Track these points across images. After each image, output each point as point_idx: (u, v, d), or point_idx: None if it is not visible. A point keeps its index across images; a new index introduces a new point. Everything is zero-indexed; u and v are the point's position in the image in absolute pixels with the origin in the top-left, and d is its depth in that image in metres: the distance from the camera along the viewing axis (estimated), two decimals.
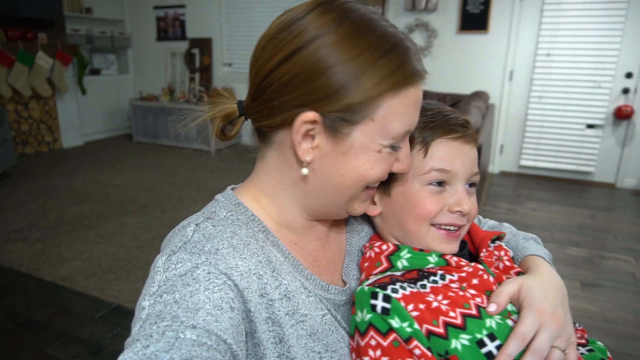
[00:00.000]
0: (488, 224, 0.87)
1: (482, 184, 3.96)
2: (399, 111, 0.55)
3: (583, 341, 0.75)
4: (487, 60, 4.60)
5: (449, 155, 0.64)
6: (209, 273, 0.51)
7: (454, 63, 4.74)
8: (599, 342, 0.75)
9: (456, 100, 4.32)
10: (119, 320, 2.15)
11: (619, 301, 2.39)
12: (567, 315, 0.60)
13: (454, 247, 0.66)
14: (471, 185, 0.67)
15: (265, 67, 0.56)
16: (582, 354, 0.72)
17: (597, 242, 3.14)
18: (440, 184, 0.64)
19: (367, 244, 0.71)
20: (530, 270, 0.65)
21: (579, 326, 0.78)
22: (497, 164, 4.82)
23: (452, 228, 0.65)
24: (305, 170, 0.59)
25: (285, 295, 0.58)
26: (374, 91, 0.53)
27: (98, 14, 6.09)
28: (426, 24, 4.70)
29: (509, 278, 0.63)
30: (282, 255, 0.62)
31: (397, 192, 0.66)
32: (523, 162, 4.68)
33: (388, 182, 0.65)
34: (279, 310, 0.56)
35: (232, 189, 0.68)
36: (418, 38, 4.79)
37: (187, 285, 0.49)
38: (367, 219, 0.77)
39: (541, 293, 0.58)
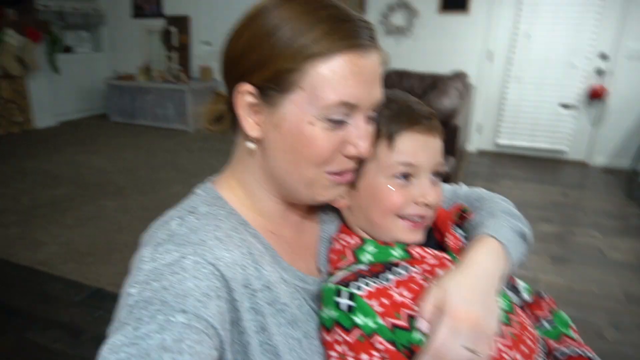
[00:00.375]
0: (462, 191, 0.87)
1: (460, 163, 4.02)
2: (330, 80, 0.54)
3: (547, 314, 0.79)
4: (467, 41, 4.62)
5: (414, 148, 0.64)
6: (196, 263, 0.52)
7: (434, 43, 4.74)
8: (563, 314, 0.79)
9: (435, 81, 4.35)
10: (100, 303, 2.15)
11: (586, 274, 2.50)
12: (487, 308, 0.60)
13: (420, 236, 0.67)
14: (436, 174, 0.68)
15: (224, 55, 0.61)
16: (543, 328, 0.77)
17: (568, 219, 3.25)
18: (406, 176, 0.65)
19: (335, 236, 0.72)
20: (463, 259, 0.64)
21: (547, 296, 0.82)
22: (475, 143, 4.90)
23: (417, 219, 0.66)
24: (251, 145, 0.61)
25: (266, 286, 0.59)
26: (300, 57, 0.54)
27: None
28: (407, 4, 4.68)
29: (433, 278, 0.63)
30: (262, 246, 0.63)
31: (364, 185, 0.66)
32: (500, 141, 4.76)
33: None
34: (261, 300, 0.58)
35: (211, 181, 0.69)
36: (399, 18, 4.77)
37: (175, 274, 0.50)
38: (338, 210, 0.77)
39: (458, 295, 0.58)
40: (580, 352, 0.71)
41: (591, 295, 2.30)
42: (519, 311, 0.69)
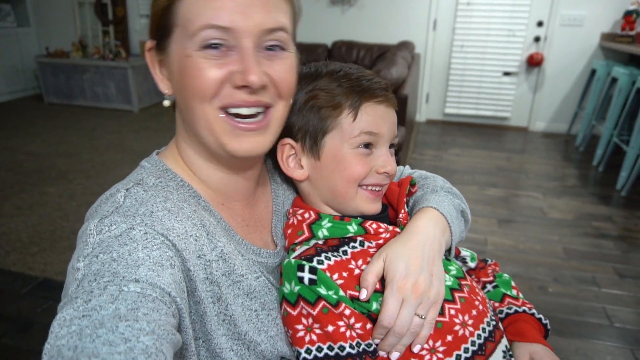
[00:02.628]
0: (407, 172, 0.90)
1: (410, 133, 4.11)
2: (195, 5, 0.54)
3: (491, 278, 0.84)
4: (411, 10, 4.65)
5: (376, 118, 0.66)
6: (145, 233, 0.50)
7: (380, 13, 4.74)
8: (505, 275, 0.85)
9: (383, 51, 4.37)
10: (48, 293, 2.06)
11: (529, 234, 2.66)
12: (433, 275, 0.62)
13: (378, 205, 0.70)
14: (391, 146, 0.70)
15: None
16: (487, 291, 0.82)
17: (512, 182, 3.43)
18: (367, 146, 0.66)
19: (291, 210, 0.72)
20: (404, 229, 0.67)
21: (492, 261, 0.87)
22: (424, 113, 5.01)
23: (377, 188, 0.68)
24: (165, 102, 0.64)
25: (221, 257, 0.59)
26: None
27: None
28: None
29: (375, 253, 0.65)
30: (214, 219, 0.62)
31: (327, 155, 0.67)
32: (447, 110, 4.90)
33: (317, 145, 0.66)
34: (216, 271, 0.58)
35: (157, 154, 0.67)
36: None
37: (124, 245, 0.48)
38: (290, 181, 0.77)
39: (403, 264, 0.60)
40: (520, 310, 0.76)
41: (534, 253, 2.46)
42: (468, 277, 0.73)
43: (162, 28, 0.57)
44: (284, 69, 0.59)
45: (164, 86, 0.61)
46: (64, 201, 2.94)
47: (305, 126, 0.67)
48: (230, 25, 0.53)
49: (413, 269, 0.61)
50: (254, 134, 0.59)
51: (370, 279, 0.60)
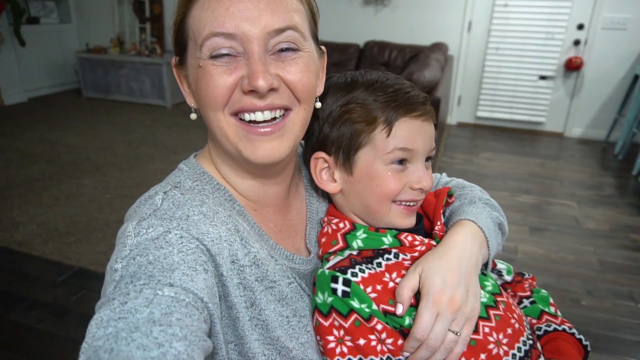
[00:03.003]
0: (443, 180, 0.89)
1: (441, 136, 4.05)
2: (201, 17, 0.55)
3: (528, 293, 0.81)
4: (446, 11, 4.58)
5: (411, 133, 0.64)
6: (181, 237, 0.51)
7: (414, 14, 4.69)
8: (543, 291, 0.82)
9: (416, 52, 4.32)
10: (83, 282, 2.13)
11: (562, 243, 2.58)
12: (470, 291, 0.61)
13: (413, 220, 0.69)
14: (428, 159, 0.68)
15: None
16: (524, 307, 0.79)
17: (545, 189, 3.33)
18: (402, 162, 0.65)
19: (325, 219, 0.72)
20: (441, 242, 0.66)
21: (529, 275, 0.85)
22: (455, 115, 4.93)
23: (411, 204, 0.67)
24: (193, 115, 0.65)
25: (254, 262, 0.59)
26: (180, 10, 0.58)
27: None
28: None
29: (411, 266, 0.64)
30: (248, 224, 0.63)
31: (360, 171, 0.66)
32: (479, 113, 4.80)
33: (349, 160, 0.66)
34: (250, 276, 0.58)
35: (195, 156, 0.68)
36: None
37: (160, 248, 0.49)
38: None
39: (440, 278, 0.59)
40: (560, 328, 0.74)
41: (567, 264, 2.39)
42: (504, 293, 0.71)
43: (179, 43, 0.59)
44: (298, 69, 0.57)
45: (190, 100, 0.63)
46: (98, 193, 3.03)
47: (339, 140, 0.66)
48: (235, 32, 0.53)
49: (450, 283, 0.60)
50: (269, 138, 0.58)
51: (406, 293, 0.60)
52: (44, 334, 1.82)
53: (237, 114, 0.57)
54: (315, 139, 0.69)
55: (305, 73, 0.58)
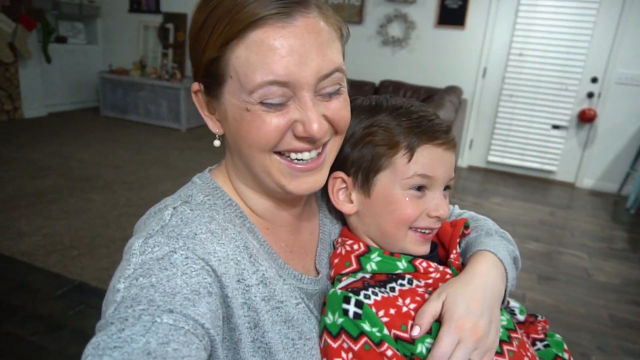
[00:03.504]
0: (456, 212, 0.88)
1: None
2: (248, 60, 0.51)
3: (541, 336, 0.78)
4: (462, 56, 4.68)
5: (432, 161, 0.64)
6: (186, 258, 0.50)
7: (430, 56, 4.79)
8: (557, 335, 0.79)
9: (430, 94, 4.38)
10: (82, 297, 2.10)
11: (572, 294, 2.52)
12: (492, 322, 0.60)
13: (427, 248, 0.68)
14: (446, 188, 0.68)
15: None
16: (537, 349, 0.76)
17: (555, 238, 3.28)
18: (420, 188, 0.65)
19: (339, 240, 0.71)
20: (465, 270, 0.65)
21: (542, 317, 0.82)
22: (466, 159, 4.94)
23: (427, 231, 0.66)
24: (216, 142, 0.63)
25: (262, 281, 0.58)
26: (216, 46, 0.53)
27: None
28: (405, 16, 4.72)
29: (435, 290, 0.63)
30: (257, 242, 0.62)
31: (378, 194, 0.66)
32: (491, 158, 4.81)
33: (368, 182, 0.66)
34: (256, 296, 0.57)
35: (209, 171, 0.68)
36: (397, 29, 4.81)
37: (164, 270, 0.48)
38: (341, 213, 0.76)
39: (464, 305, 0.58)
40: None
41: (577, 316, 2.32)
42: (519, 330, 0.69)
43: (211, 76, 0.56)
44: (340, 106, 0.58)
45: (214, 126, 0.61)
46: (107, 210, 3.04)
47: (359, 161, 0.66)
48: (288, 80, 0.52)
49: (474, 311, 0.58)
50: (311, 172, 0.59)
51: (427, 317, 0.58)
52: (36, 346, 1.78)
53: (281, 152, 0.57)
54: (335, 159, 0.69)
55: (346, 108, 0.59)
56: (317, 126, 0.54)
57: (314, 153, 0.58)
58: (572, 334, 2.15)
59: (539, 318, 0.82)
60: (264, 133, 0.54)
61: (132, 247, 0.51)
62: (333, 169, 0.67)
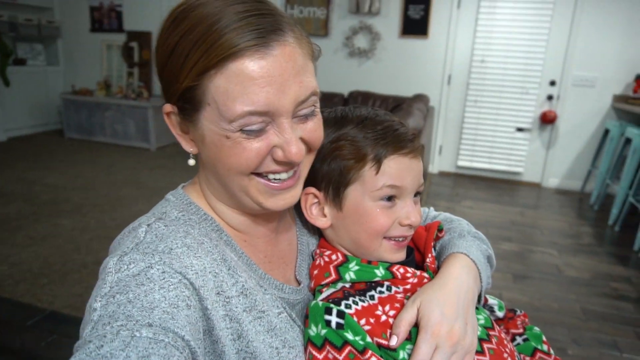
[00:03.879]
0: (432, 214, 0.90)
1: (424, 183, 4.12)
2: (228, 90, 0.51)
3: (520, 330, 0.81)
4: (427, 65, 4.80)
5: (399, 171, 0.65)
6: (163, 272, 0.50)
7: (396, 66, 4.89)
8: (535, 328, 0.82)
9: (398, 102, 4.47)
10: (54, 326, 2.02)
11: (545, 291, 2.59)
12: (468, 323, 0.61)
13: (402, 254, 0.69)
14: (417, 194, 0.69)
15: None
16: (517, 344, 0.79)
17: (526, 238, 3.38)
18: (390, 199, 0.66)
19: (317, 251, 0.72)
20: (438, 275, 0.67)
21: (521, 312, 0.85)
22: (437, 164, 5.05)
23: (401, 239, 0.68)
24: (191, 161, 0.62)
25: (242, 292, 0.58)
26: (192, 75, 0.52)
27: None
28: (370, 27, 4.82)
29: (410, 298, 0.64)
30: (235, 254, 0.62)
31: (349, 207, 0.66)
32: (460, 163, 4.93)
33: (339, 196, 0.67)
34: (237, 307, 0.57)
35: (183, 187, 0.68)
36: (362, 40, 4.90)
37: (141, 285, 0.48)
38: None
39: (438, 310, 0.60)
40: None
41: (551, 311, 2.39)
42: (497, 327, 0.71)
43: (187, 101, 0.55)
44: (315, 126, 0.60)
45: (188, 145, 0.60)
46: (76, 234, 2.94)
47: (329, 176, 0.67)
48: (267, 109, 0.53)
49: (449, 316, 0.60)
50: (288, 190, 0.61)
51: (403, 326, 0.59)
52: None
53: (260, 173, 0.58)
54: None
55: (320, 127, 0.61)
56: (295, 150, 0.55)
57: (290, 172, 0.60)
58: (548, 330, 2.21)
59: (518, 312, 0.84)
60: (245, 159, 0.55)
61: (107, 266, 0.51)
62: (304, 185, 0.68)
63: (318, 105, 0.60)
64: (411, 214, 0.66)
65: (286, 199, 0.61)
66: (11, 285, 2.30)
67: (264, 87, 0.51)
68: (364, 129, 0.66)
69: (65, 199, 3.56)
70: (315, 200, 0.69)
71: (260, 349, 0.57)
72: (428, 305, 0.60)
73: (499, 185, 4.70)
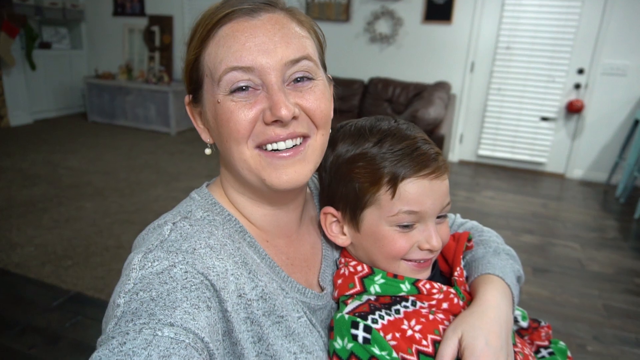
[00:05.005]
0: (458, 222, 0.88)
1: None
2: (217, 54, 0.56)
3: (545, 342, 0.79)
4: (450, 51, 4.69)
5: (418, 195, 0.61)
6: (186, 272, 0.51)
7: (418, 52, 4.80)
8: (561, 343, 0.80)
9: (419, 90, 4.39)
10: (78, 308, 2.08)
11: (566, 285, 2.54)
12: (509, 354, 0.60)
13: (426, 274, 0.67)
14: (442, 216, 0.65)
15: None
16: (542, 357, 0.77)
17: (548, 230, 3.31)
18: (409, 225, 0.62)
19: (342, 260, 0.71)
20: (476, 301, 0.65)
21: (545, 323, 0.82)
22: (457, 153, 4.97)
23: (422, 261, 0.65)
24: (207, 150, 0.65)
25: (261, 296, 0.58)
26: (193, 49, 0.58)
27: None
28: (392, 12, 4.72)
29: (450, 324, 0.62)
30: (258, 256, 0.62)
31: (366, 229, 0.65)
32: (481, 152, 4.84)
33: (355, 218, 0.65)
34: (257, 310, 0.57)
35: (207, 186, 0.68)
36: (384, 26, 4.81)
37: (164, 284, 0.49)
38: None
39: (483, 340, 0.58)
40: None
41: (572, 307, 2.34)
42: (520, 341, 0.70)
43: (193, 81, 0.60)
44: (315, 97, 0.58)
45: (205, 136, 0.63)
46: (98, 217, 3.01)
47: (346, 197, 0.65)
48: (252, 65, 0.54)
49: (494, 346, 0.58)
50: (291, 162, 0.58)
51: (449, 352, 0.58)
52: None
53: (260, 146, 0.57)
54: (325, 193, 0.69)
55: (322, 100, 0.59)
56: (284, 108, 0.54)
57: (289, 142, 0.58)
58: (567, 325, 2.18)
59: (542, 324, 0.82)
60: (235, 123, 0.55)
61: (131, 263, 0.52)
62: (323, 204, 0.67)
63: (319, 77, 0.60)
64: (431, 238, 0.63)
65: (289, 174, 0.58)
66: (37, 267, 2.37)
67: (246, 43, 0.54)
68: (382, 147, 0.62)
69: (87, 182, 3.63)
70: (334, 219, 0.68)
71: (280, 353, 0.57)
72: (471, 334, 0.58)
73: (521, 176, 4.61)
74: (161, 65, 5.75)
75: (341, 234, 0.68)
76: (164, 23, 5.75)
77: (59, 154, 4.35)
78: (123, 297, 0.48)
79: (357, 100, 4.66)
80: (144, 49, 5.87)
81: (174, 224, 0.57)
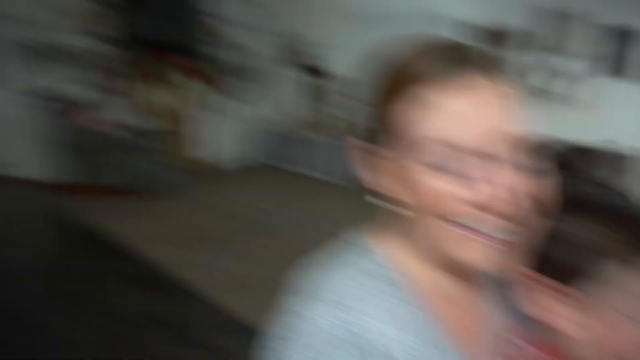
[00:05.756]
0: None
1: None
2: (409, 116, 0.51)
3: None
4: None
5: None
6: (345, 332, 0.49)
7: None
8: None
9: None
10: (250, 337, 2.18)
11: None
12: None
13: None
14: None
15: None
16: None
17: None
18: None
19: (514, 339, 0.60)
20: None
21: None
22: None
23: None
24: (369, 198, 0.59)
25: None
26: (381, 103, 0.54)
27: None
28: None
29: None
30: (410, 315, 0.54)
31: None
32: None
33: None
34: None
35: (362, 232, 0.63)
36: None
37: (332, 354, 0.48)
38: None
39: None
40: None
41: None
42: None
43: (378, 132, 0.54)
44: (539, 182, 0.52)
45: (371, 183, 0.58)
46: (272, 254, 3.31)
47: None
48: (452, 140, 0.48)
49: None
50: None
51: None
52: None
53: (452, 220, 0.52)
54: None
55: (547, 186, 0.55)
56: (490, 188, 0.47)
57: (492, 227, 0.49)
58: None
59: None
60: (427, 196, 0.50)
61: (301, 312, 0.51)
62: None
63: (541, 162, 0.52)
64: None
65: (486, 253, 0.51)
66: (221, 293, 2.66)
67: (470, 114, 0.48)
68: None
69: (269, 223, 4.06)
70: None
71: None
72: None
73: None
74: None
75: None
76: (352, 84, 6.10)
77: (247, 197, 4.96)
78: (281, 343, 0.50)
79: None
80: (332, 106, 6.25)
81: (328, 269, 0.57)
